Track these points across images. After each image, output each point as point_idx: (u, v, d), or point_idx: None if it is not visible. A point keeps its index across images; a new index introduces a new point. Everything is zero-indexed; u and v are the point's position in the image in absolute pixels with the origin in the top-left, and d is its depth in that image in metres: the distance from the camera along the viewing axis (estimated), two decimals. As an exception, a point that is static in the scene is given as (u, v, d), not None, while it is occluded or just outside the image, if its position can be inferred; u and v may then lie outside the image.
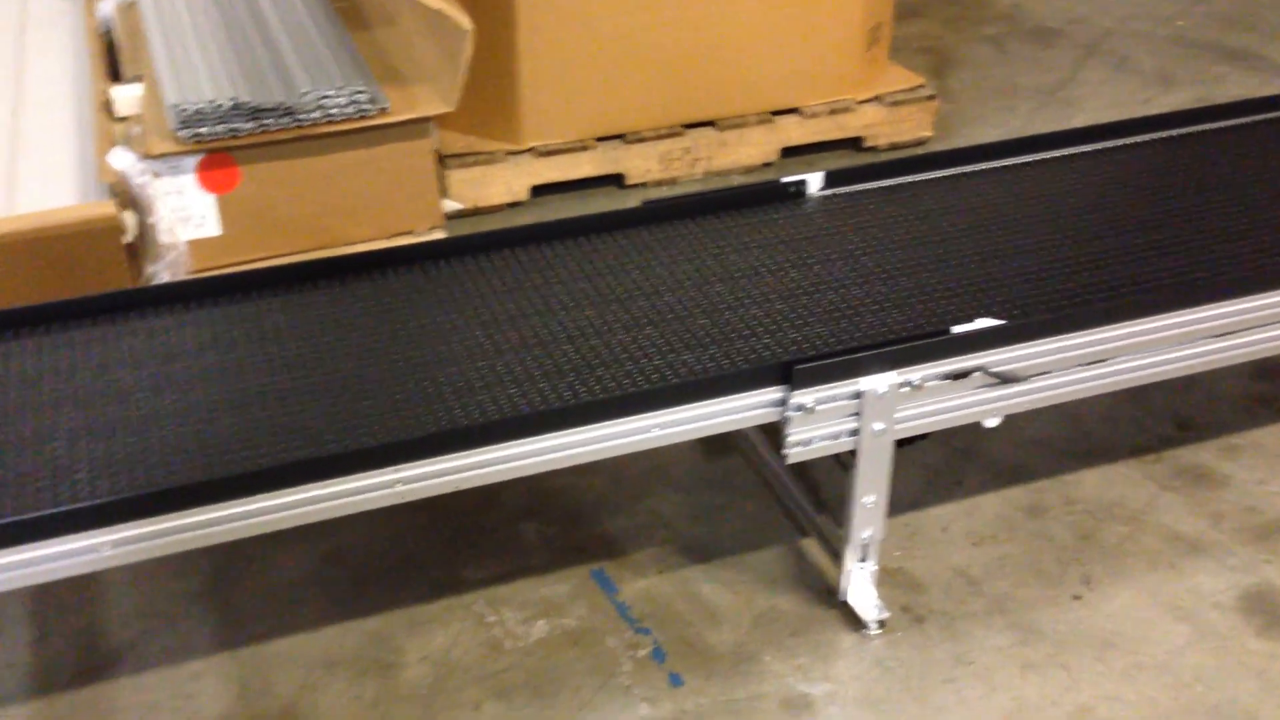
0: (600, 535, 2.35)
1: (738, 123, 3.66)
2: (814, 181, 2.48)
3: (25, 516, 1.64)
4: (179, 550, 1.73)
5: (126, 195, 2.71)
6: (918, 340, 1.95)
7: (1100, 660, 2.06)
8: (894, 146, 3.83)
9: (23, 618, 2.17)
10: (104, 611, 2.18)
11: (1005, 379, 2.01)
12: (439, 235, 3.08)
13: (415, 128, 2.92)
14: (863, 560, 2.12)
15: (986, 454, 2.54)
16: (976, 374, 1.99)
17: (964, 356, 1.97)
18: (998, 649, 2.09)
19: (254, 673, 2.06)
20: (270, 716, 1.99)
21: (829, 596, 2.20)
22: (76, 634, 2.14)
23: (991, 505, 2.40)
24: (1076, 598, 2.19)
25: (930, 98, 3.83)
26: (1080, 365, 2.05)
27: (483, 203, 3.48)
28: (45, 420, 1.86)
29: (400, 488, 1.80)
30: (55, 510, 1.64)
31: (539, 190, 3.54)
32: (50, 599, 2.20)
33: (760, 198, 2.45)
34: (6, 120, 3.08)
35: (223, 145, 2.77)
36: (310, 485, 1.75)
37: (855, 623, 2.14)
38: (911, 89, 3.84)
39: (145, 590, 2.22)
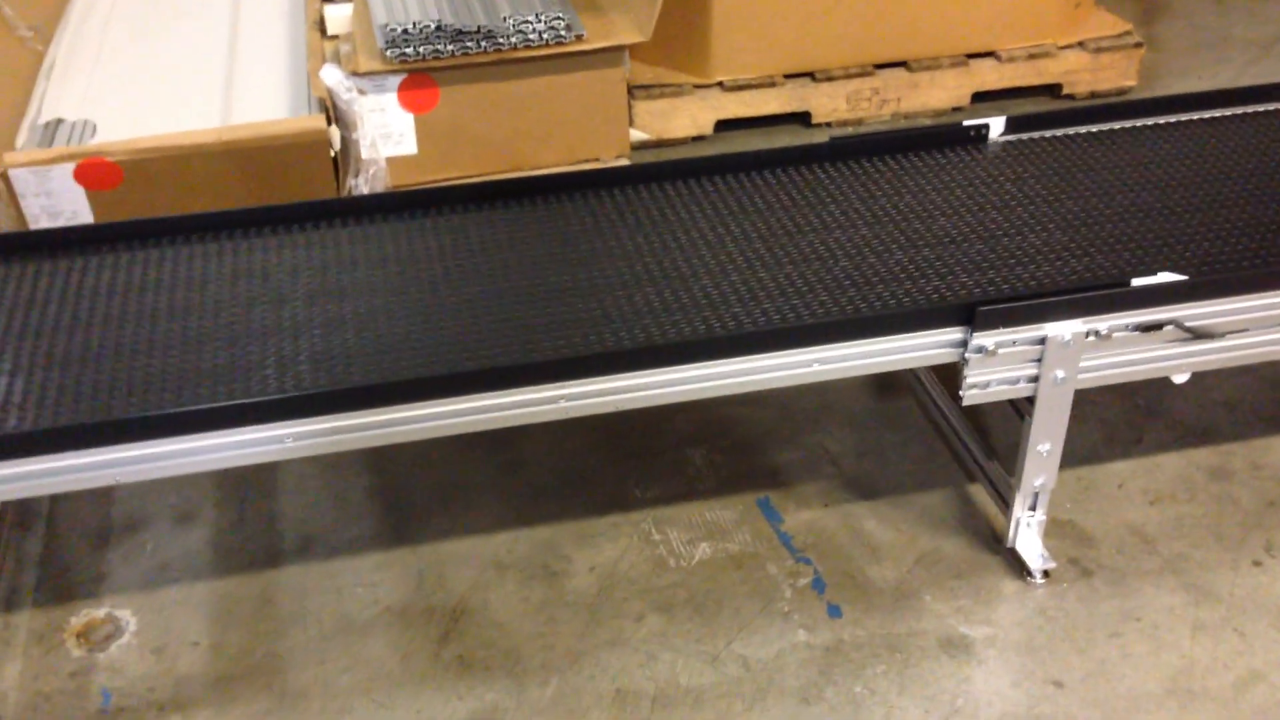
0: (767, 466, 2.38)
1: (930, 64, 3.59)
2: (996, 126, 2.43)
3: (220, 404, 1.75)
4: (356, 447, 1.82)
5: (333, 111, 2.84)
6: (1108, 289, 1.90)
7: (1277, 628, 2.00)
8: (1094, 95, 3.70)
9: (222, 503, 2.33)
10: (297, 502, 2.32)
11: (1199, 334, 1.95)
12: (624, 164, 3.13)
13: (609, 56, 2.96)
14: (1032, 509, 2.10)
15: (1170, 413, 2.47)
16: (1169, 328, 1.94)
17: (1156, 309, 1.92)
18: (1169, 608, 2.05)
19: (431, 567, 2.18)
20: (445, 609, 2.09)
21: (994, 543, 2.18)
22: (271, 520, 2.29)
23: (1173, 465, 2.34)
24: (1257, 564, 2.12)
25: (1137, 45, 3.68)
26: (1278, 325, 1.97)
27: (667, 135, 3.51)
28: (242, 318, 1.97)
29: (565, 404, 1.86)
30: (246, 401, 1.76)
31: (723, 125, 3.55)
32: (246, 488, 2.35)
33: (942, 140, 2.41)
34: (226, 35, 3.25)
35: (425, 66, 2.86)
36: (482, 395, 1.81)
37: (1020, 571, 2.12)
38: (1117, 35, 3.69)
39: (335, 486, 2.36)
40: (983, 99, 3.65)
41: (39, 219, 2.64)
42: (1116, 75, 3.70)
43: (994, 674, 1.95)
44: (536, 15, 2.90)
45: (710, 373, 1.87)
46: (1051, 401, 1.97)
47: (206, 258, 2.12)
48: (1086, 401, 2.49)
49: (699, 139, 3.55)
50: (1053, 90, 3.70)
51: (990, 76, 3.63)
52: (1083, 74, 3.67)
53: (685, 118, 3.51)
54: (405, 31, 2.83)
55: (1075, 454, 2.36)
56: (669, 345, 1.86)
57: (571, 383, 1.84)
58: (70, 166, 2.60)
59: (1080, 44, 3.66)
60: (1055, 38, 3.65)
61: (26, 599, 2.13)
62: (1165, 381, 2.36)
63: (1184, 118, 2.47)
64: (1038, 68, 3.64)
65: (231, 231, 2.20)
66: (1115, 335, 1.93)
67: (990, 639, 2.01)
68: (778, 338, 1.87)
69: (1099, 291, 1.90)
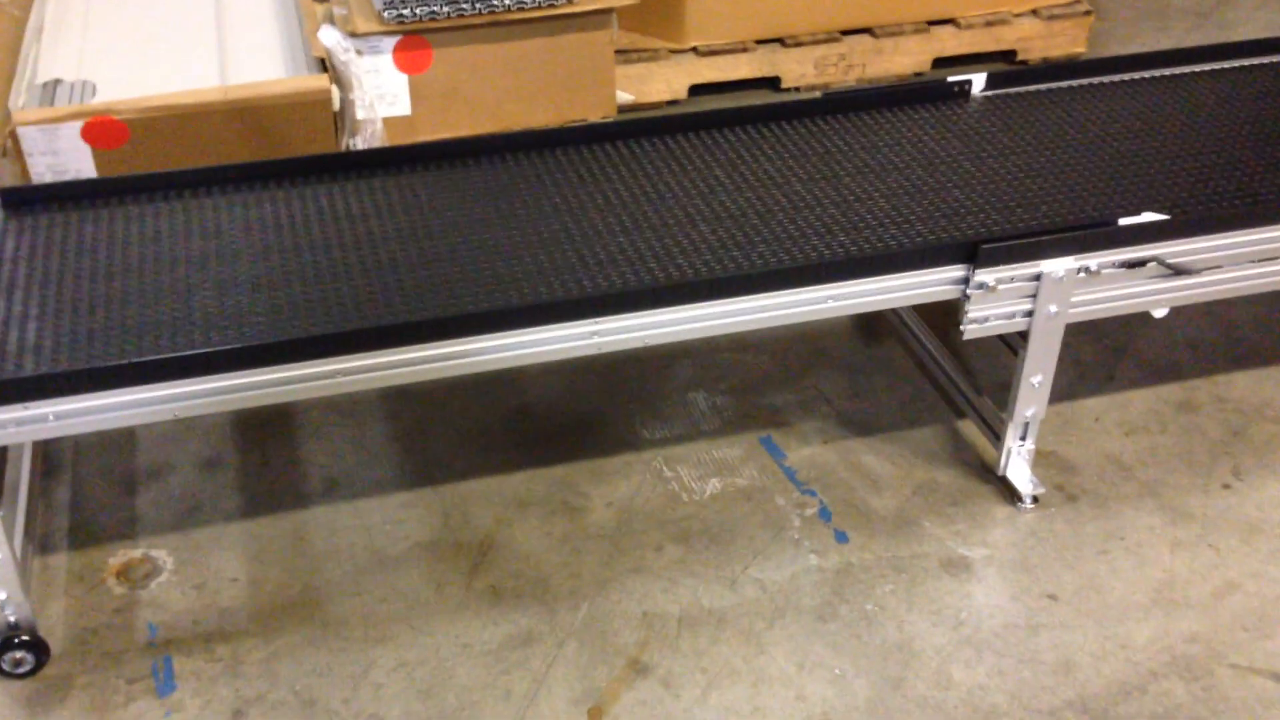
0: (767, 407, 2.51)
1: (894, 30, 3.73)
2: (978, 82, 2.57)
3: (231, 346, 1.82)
4: (381, 385, 1.90)
5: (331, 71, 2.90)
6: (1098, 227, 2.05)
7: (1247, 543, 2.17)
8: (1046, 61, 3.87)
9: (245, 449, 2.39)
10: (318, 447, 2.40)
11: (1178, 270, 2.11)
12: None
13: (599, 19, 3.05)
14: (1023, 439, 2.25)
15: (1139, 352, 2.64)
16: (1151, 264, 2.09)
17: (1141, 246, 2.07)
18: (1149, 528, 2.21)
19: (455, 506, 2.27)
20: (472, 544, 2.19)
21: (986, 472, 2.33)
22: (294, 464, 2.36)
23: (1143, 400, 2.51)
24: (1226, 486, 2.29)
25: (1086, 13, 3.86)
26: (1251, 262, 2.14)
27: (643, 99, 3.60)
28: (245, 266, 2.04)
29: (597, 339, 1.96)
30: (255, 343, 1.83)
31: (696, 90, 3.66)
32: (269, 432, 2.42)
33: (930, 95, 2.55)
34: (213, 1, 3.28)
35: (420, 27, 2.93)
36: (517, 332, 1.91)
37: (1010, 498, 2.27)
38: (1068, 4, 3.86)
39: (353, 432, 2.43)
40: (942, 64, 3.80)
41: (44, 177, 2.67)
42: (1067, 42, 3.88)
43: (993, 589, 2.10)
44: (527, -22, 2.98)
45: (737, 308, 1.99)
46: (1045, 335, 2.11)
47: (221, 209, 2.18)
48: (1062, 344, 2.64)
49: (673, 103, 3.65)
50: (1007, 56, 3.87)
51: (950, 43, 3.79)
52: (1036, 40, 3.84)
53: (660, 82, 3.61)
54: (401, -7, 2.89)
55: (1054, 392, 2.50)
56: (698, 283, 1.96)
57: (605, 319, 1.94)
58: (78, 125, 2.63)
59: (1034, 12, 3.83)
60: (1011, 6, 3.81)
61: (62, 542, 2.18)
62: (1134, 323, 2.53)
63: (1150, 74, 2.63)
64: (995, 34, 3.80)
65: (240, 184, 2.25)
66: (1103, 272, 2.07)
67: (988, 559, 2.16)
68: (799, 274, 1.99)
69: (1089, 230, 2.05)
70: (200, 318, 1.90)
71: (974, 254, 2.02)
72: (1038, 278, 2.05)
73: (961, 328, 2.09)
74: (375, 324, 1.88)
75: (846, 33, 3.72)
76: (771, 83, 3.74)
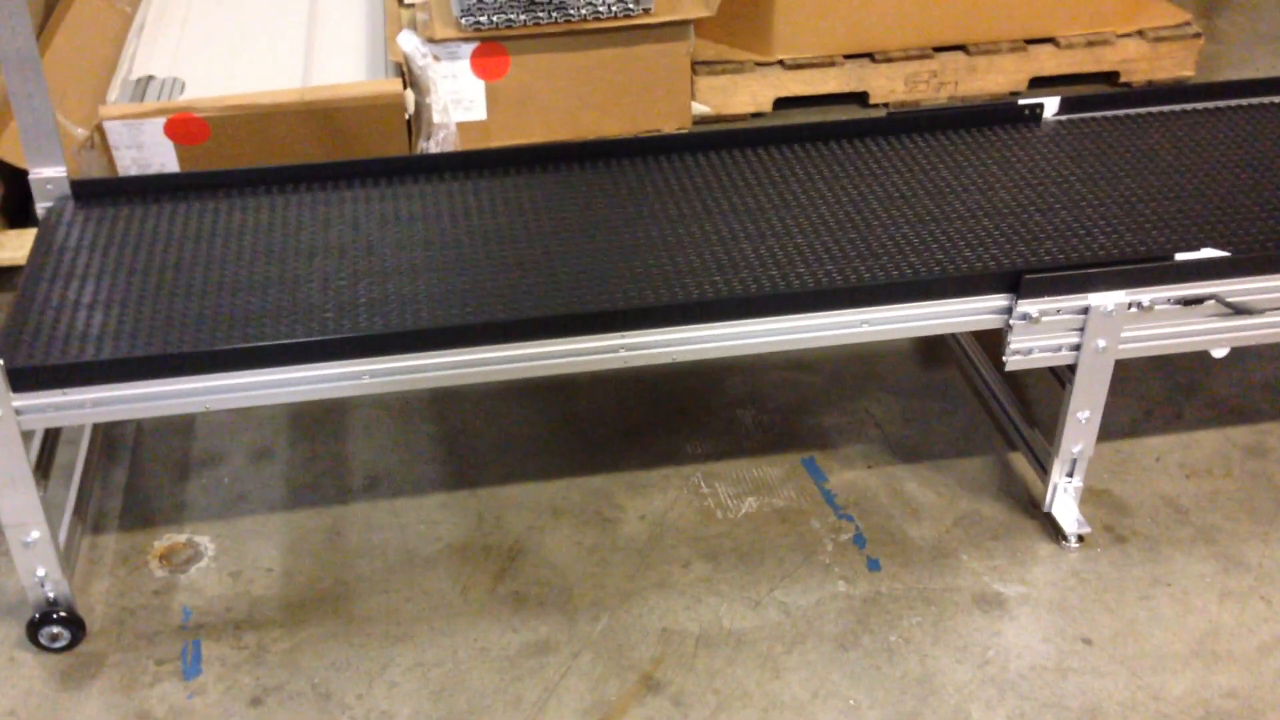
0: (814, 428, 2.47)
1: (989, 48, 3.64)
2: (1050, 105, 2.50)
3: (297, 340, 1.88)
4: (430, 385, 1.93)
5: (408, 75, 2.95)
6: (1151, 263, 1.98)
7: (1304, 598, 2.07)
8: (1151, 84, 3.74)
9: (296, 442, 2.45)
10: (366, 444, 2.45)
11: (1239, 310, 2.02)
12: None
13: (675, 29, 3.05)
14: (1069, 475, 2.17)
15: (1210, 391, 2.53)
16: (1209, 302, 2.01)
17: (1198, 283, 1.99)
18: (1199, 575, 2.12)
19: (489, 509, 2.29)
20: (502, 548, 2.21)
21: (1032, 508, 2.26)
22: (342, 459, 2.41)
23: (1210, 441, 2.41)
24: (1287, 537, 2.19)
25: (1195, 36, 3.72)
26: (1319, 304, 2.03)
27: (727, 110, 3.59)
28: (317, 262, 2.09)
29: (624, 353, 1.96)
30: (323, 338, 1.88)
31: (782, 103, 3.63)
32: (318, 429, 2.48)
33: (998, 118, 2.48)
34: (309, 1, 3.37)
35: (497, 34, 2.97)
36: (544, 341, 1.92)
37: (1055, 536, 2.20)
38: (1176, 25, 3.73)
39: (402, 431, 2.48)
40: (1040, 84, 3.70)
41: (129, 171, 2.78)
42: (1174, 65, 3.74)
43: (1025, 629, 2.04)
44: (606, -12, 3.00)
45: (767, 328, 1.97)
46: (1092, 370, 2.04)
47: (290, 206, 2.24)
48: (1128, 377, 2.56)
49: (758, 115, 3.63)
50: (1110, 78, 3.75)
51: (1048, 62, 3.69)
52: (1140, 63, 3.72)
53: (745, 94, 3.59)
54: (480, 1, 2.93)
55: (1115, 427, 2.43)
56: (729, 300, 1.95)
57: (633, 333, 1.94)
58: (161, 121, 2.73)
59: (1139, 33, 3.70)
60: (1114, 26, 3.69)
61: (113, 523, 2.27)
62: (1206, 361, 2.44)
63: (1234, 103, 2.52)
64: (1096, 55, 3.69)
65: (331, 183, 2.30)
66: (1157, 308, 2.00)
67: (1023, 597, 2.10)
68: (830, 297, 1.96)
69: (1142, 265, 1.98)
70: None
71: (1017, 284, 1.96)
72: (1085, 310, 1.98)
73: (1003, 359, 2.03)
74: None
75: (939, 49, 3.65)
76: (860, 97, 3.69)
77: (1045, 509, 2.22)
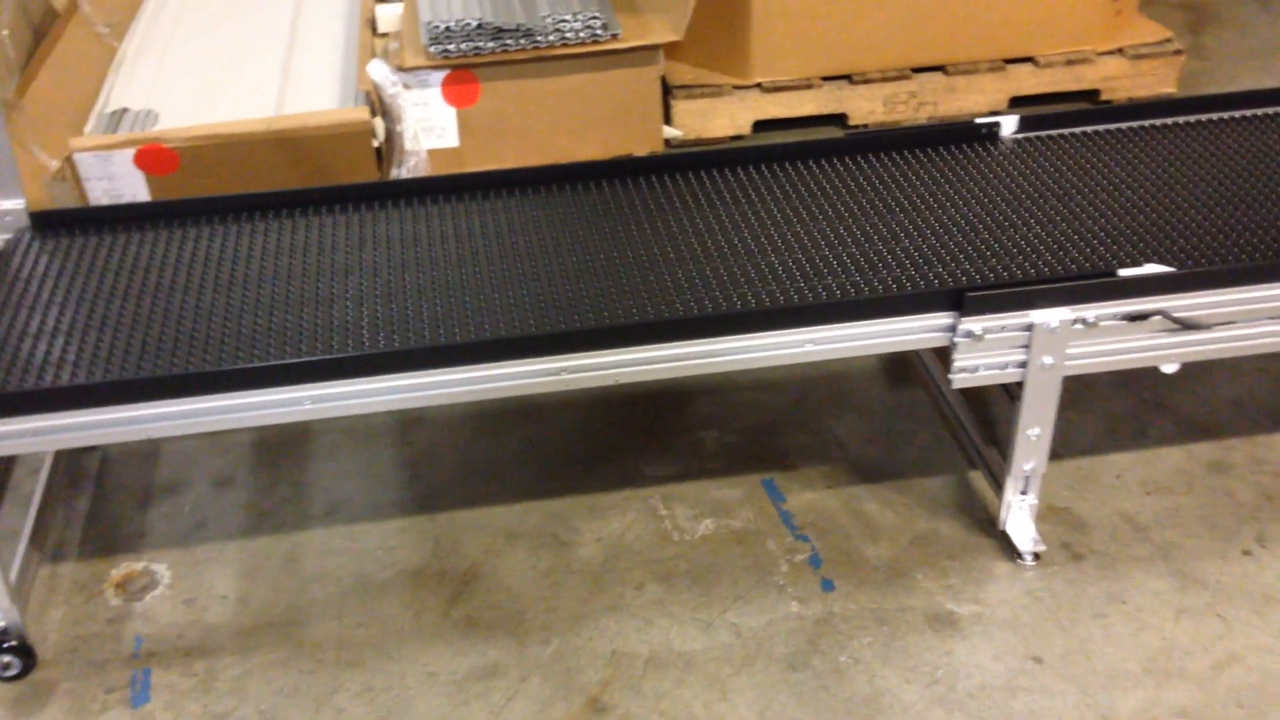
0: (776, 449, 2.47)
1: (968, 69, 3.65)
2: (1008, 124, 2.49)
3: (254, 365, 1.89)
4: (375, 410, 1.94)
5: (379, 103, 2.98)
6: (1094, 279, 1.97)
7: (1259, 614, 2.04)
8: (1131, 101, 3.73)
9: (258, 469, 2.47)
10: (328, 470, 2.46)
11: (1186, 325, 2.00)
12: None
13: (644, 54, 3.07)
14: (1023, 492, 2.16)
15: (1176, 408, 2.51)
16: (1156, 317, 1.99)
17: (1143, 299, 1.98)
18: (1155, 593, 2.10)
19: (447, 534, 2.30)
20: (457, 573, 2.21)
21: (990, 527, 2.25)
22: (303, 485, 2.42)
23: (1173, 457, 2.39)
24: (1246, 553, 2.16)
25: (1177, 53, 3.71)
26: (1267, 319, 2.02)
27: (706, 134, 3.60)
28: (266, 289, 2.11)
29: (565, 376, 1.96)
30: (272, 364, 1.89)
31: (761, 125, 3.64)
32: (280, 455, 2.50)
33: (955, 137, 2.48)
34: (287, 32, 3.42)
35: (466, 62, 3.00)
36: (485, 365, 1.93)
37: (1012, 554, 2.19)
38: (1158, 43, 3.72)
39: (364, 456, 2.49)
40: (1020, 104, 3.70)
41: (100, 201, 2.82)
42: (1155, 82, 3.73)
43: (976, 648, 2.02)
44: (574, 14, 3.02)
45: (708, 349, 1.97)
46: (1040, 387, 2.03)
47: (268, 233, 2.26)
48: (1092, 395, 2.54)
49: (737, 138, 3.64)
50: (1090, 96, 3.74)
51: (1028, 81, 3.68)
52: (1121, 80, 3.71)
53: (724, 118, 3.60)
54: (448, 29, 2.96)
55: (1077, 445, 2.41)
56: (669, 321, 1.95)
57: (573, 355, 1.94)
58: (130, 152, 2.77)
59: (1119, 50, 3.70)
60: (1094, 44, 3.69)
61: (73, 551, 2.28)
62: (1172, 378, 2.41)
63: (1192, 119, 2.51)
64: (1075, 73, 3.69)
65: (286, 210, 2.32)
66: (1103, 324, 1.99)
67: (976, 616, 2.08)
68: (773, 317, 1.96)
69: (1085, 281, 1.97)
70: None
71: (960, 301, 1.96)
72: (1029, 328, 1.98)
73: (950, 376, 2.02)
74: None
75: (917, 70, 3.65)
76: (839, 119, 3.70)
77: (1000, 527, 2.21)
